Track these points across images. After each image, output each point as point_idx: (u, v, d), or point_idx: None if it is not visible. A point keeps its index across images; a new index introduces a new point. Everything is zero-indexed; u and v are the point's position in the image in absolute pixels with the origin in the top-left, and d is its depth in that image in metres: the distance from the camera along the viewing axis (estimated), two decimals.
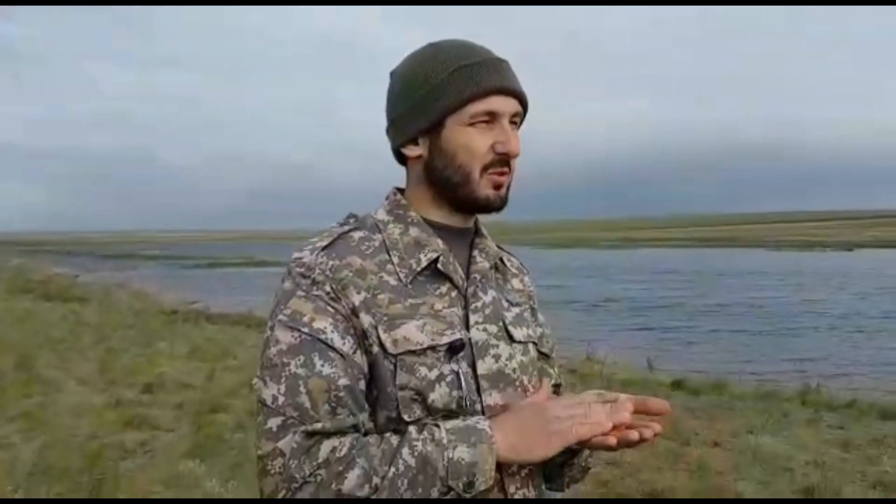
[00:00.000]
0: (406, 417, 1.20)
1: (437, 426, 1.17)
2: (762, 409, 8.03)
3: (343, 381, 1.18)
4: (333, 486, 1.12)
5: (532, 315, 1.47)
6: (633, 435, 1.21)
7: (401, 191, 1.38)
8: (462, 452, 1.14)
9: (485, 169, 1.28)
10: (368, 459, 1.13)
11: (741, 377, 10.15)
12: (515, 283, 1.45)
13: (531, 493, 1.30)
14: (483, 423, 1.18)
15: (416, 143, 1.31)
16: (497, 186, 1.29)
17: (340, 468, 1.12)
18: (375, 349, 1.21)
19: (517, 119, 1.32)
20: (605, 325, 18.17)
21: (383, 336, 1.21)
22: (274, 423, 1.17)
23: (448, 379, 1.22)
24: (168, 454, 5.70)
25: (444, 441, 1.14)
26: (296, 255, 1.27)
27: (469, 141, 1.27)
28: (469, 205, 1.31)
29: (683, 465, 5.77)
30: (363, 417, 1.20)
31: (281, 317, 1.21)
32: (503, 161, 1.28)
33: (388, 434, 1.18)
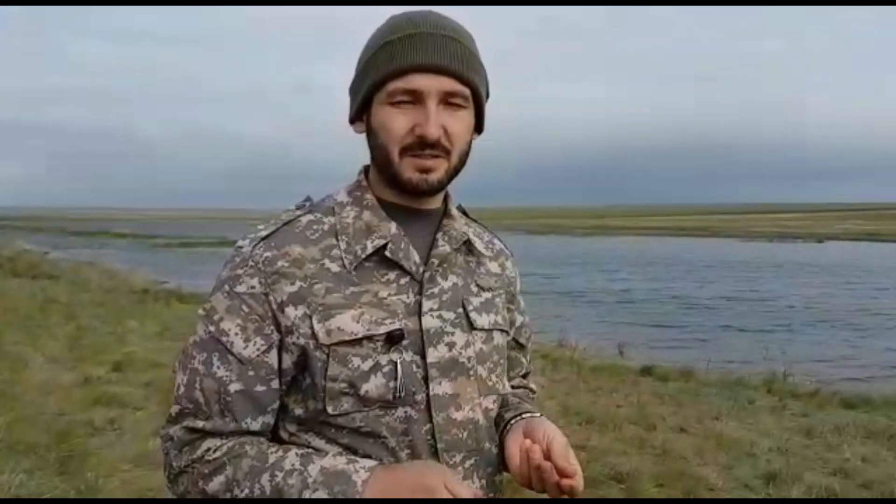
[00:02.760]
0: (330, 410, 1.18)
1: (320, 458, 1.15)
2: (728, 397, 8.16)
3: (235, 387, 1.19)
4: (201, 484, 1.17)
5: (511, 302, 1.43)
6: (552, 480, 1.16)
7: (368, 169, 1.33)
8: (321, 496, 1.11)
9: (404, 151, 1.20)
10: (235, 471, 1.15)
11: (709, 365, 10.24)
12: (493, 266, 1.39)
13: (477, 484, 1.26)
14: (360, 475, 1.13)
15: (362, 121, 1.27)
16: (423, 170, 1.21)
17: (207, 470, 1.17)
18: (304, 341, 1.18)
19: (457, 99, 1.21)
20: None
21: (317, 326, 1.18)
22: (174, 409, 1.22)
23: (385, 370, 1.19)
24: (136, 432, 5.68)
25: (310, 480, 1.12)
26: (239, 242, 1.25)
27: (386, 121, 1.20)
28: (398, 187, 1.24)
29: (649, 449, 5.87)
30: (264, 419, 1.21)
31: (201, 311, 1.24)
32: (423, 144, 1.19)
33: (272, 449, 1.18)
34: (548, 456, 1.17)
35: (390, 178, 1.24)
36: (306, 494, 1.11)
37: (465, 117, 1.24)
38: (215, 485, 1.16)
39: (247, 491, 1.14)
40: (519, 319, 1.46)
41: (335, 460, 1.15)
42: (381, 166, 1.25)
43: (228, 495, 1.15)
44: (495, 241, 1.46)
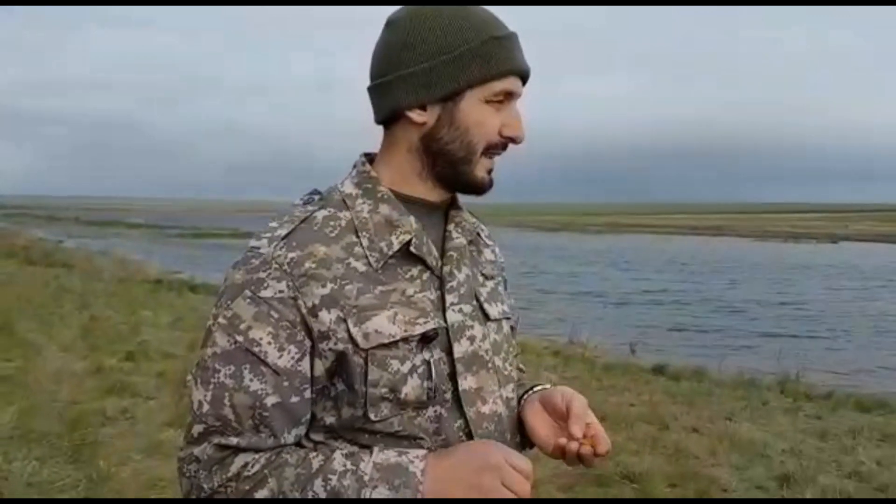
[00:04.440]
0: (373, 416, 1.15)
1: (369, 455, 1.11)
2: (741, 397, 8.11)
3: (271, 400, 1.12)
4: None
5: (505, 287, 1.43)
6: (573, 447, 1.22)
7: (368, 158, 1.28)
8: (381, 494, 1.07)
9: (487, 150, 1.22)
10: (280, 481, 1.09)
11: (722, 365, 10.17)
12: (488, 253, 1.39)
13: None
14: (417, 465, 1.10)
15: (424, 109, 1.20)
16: (489, 170, 1.24)
17: (248, 486, 1.10)
18: (342, 346, 1.14)
19: None
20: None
21: (353, 330, 1.13)
22: (196, 429, 1.14)
23: (420, 370, 1.17)
24: (148, 422, 5.70)
25: (366, 478, 1.08)
26: (253, 243, 1.18)
27: (484, 118, 1.19)
28: (461, 184, 1.25)
29: (662, 448, 5.83)
30: (297, 431, 1.16)
31: (221, 319, 1.14)
32: (505, 145, 1.23)
33: (312, 454, 1.12)
34: (566, 418, 1.24)
35: (456, 175, 1.23)
36: (365, 493, 1.07)
37: None
38: (259, 500, 1.10)
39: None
40: (508, 303, 1.45)
41: (386, 454, 1.11)
42: (452, 161, 1.22)
43: None
44: (482, 227, 1.45)
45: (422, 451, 1.13)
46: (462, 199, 1.33)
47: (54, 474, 4.49)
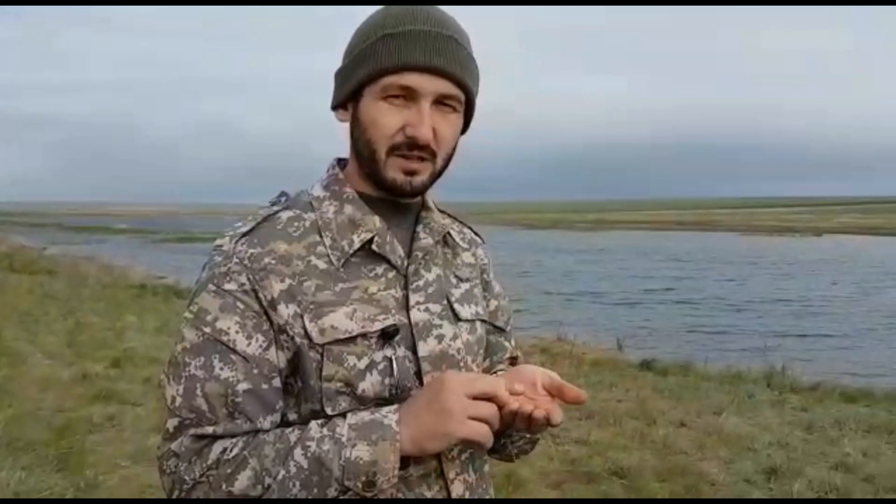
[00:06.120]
0: (329, 411, 1.15)
1: (343, 419, 1.11)
2: (728, 391, 8.14)
3: (242, 386, 1.13)
4: (224, 487, 1.09)
5: (485, 289, 1.42)
6: (528, 407, 1.13)
7: (342, 162, 1.31)
8: (361, 451, 1.06)
9: (392, 150, 1.17)
10: (261, 460, 1.09)
11: (708, 359, 10.22)
12: (466, 256, 1.38)
13: (472, 478, 1.26)
14: (390, 417, 1.09)
15: (346, 109, 1.23)
16: (408, 172, 1.19)
17: (230, 469, 1.09)
18: (298, 340, 1.15)
19: (451, 102, 1.19)
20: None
21: (309, 325, 1.14)
22: (171, 423, 1.14)
23: (380, 367, 1.16)
24: (136, 429, 5.67)
25: (344, 439, 1.07)
26: (217, 241, 1.20)
27: (377, 116, 1.16)
28: (378, 184, 1.22)
29: (650, 444, 5.86)
30: (273, 419, 1.16)
31: (187, 313, 1.17)
32: (412, 145, 1.17)
33: (288, 430, 1.12)
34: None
35: (373, 175, 1.21)
36: (345, 453, 1.06)
37: (455, 121, 1.22)
38: (242, 481, 1.08)
39: (282, 473, 1.07)
40: (493, 304, 1.44)
41: (360, 415, 1.11)
42: (364, 161, 1.21)
43: (259, 488, 1.08)
44: (465, 230, 1.44)
45: (393, 406, 1.13)
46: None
47: (41, 483, 4.46)
